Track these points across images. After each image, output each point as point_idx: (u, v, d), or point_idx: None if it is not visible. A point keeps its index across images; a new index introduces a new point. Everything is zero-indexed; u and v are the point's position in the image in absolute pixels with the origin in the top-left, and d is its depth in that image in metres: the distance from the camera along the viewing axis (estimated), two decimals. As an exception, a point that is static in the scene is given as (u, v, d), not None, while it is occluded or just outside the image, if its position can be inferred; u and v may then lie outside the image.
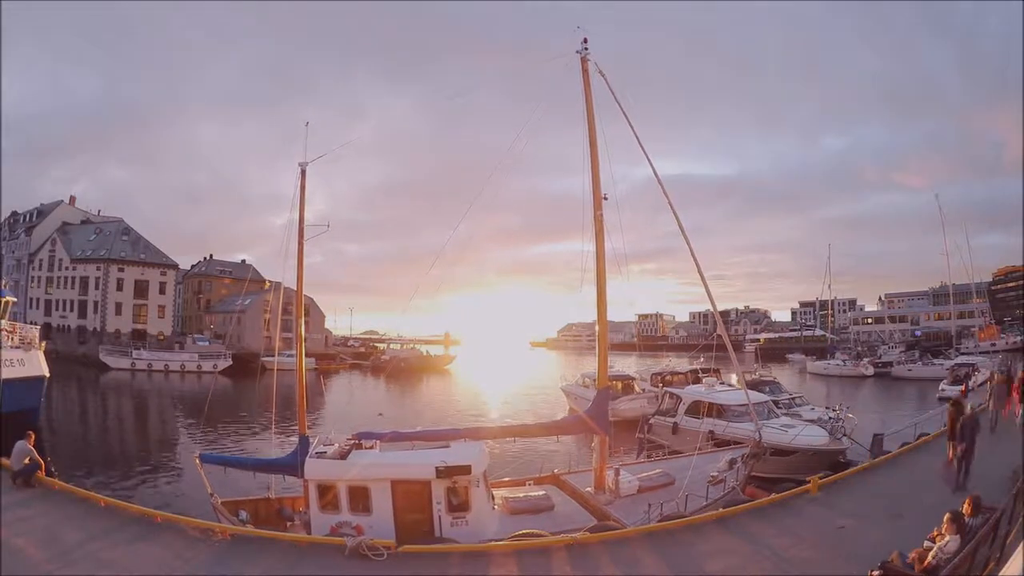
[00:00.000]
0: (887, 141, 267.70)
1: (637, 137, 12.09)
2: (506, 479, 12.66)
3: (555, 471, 12.89)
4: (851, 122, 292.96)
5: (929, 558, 6.17)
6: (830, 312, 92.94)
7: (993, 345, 52.30)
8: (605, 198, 12.00)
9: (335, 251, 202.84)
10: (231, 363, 53.63)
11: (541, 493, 11.33)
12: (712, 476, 11.59)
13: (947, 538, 6.21)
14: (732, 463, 11.97)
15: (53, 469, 8.96)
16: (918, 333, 75.99)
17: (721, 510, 9.98)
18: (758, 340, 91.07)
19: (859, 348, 59.58)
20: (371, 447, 10.35)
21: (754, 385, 21.43)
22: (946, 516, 6.32)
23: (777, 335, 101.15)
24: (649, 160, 12.28)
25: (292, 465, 10.67)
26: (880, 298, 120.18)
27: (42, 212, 72.19)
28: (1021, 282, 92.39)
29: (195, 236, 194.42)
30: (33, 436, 11.28)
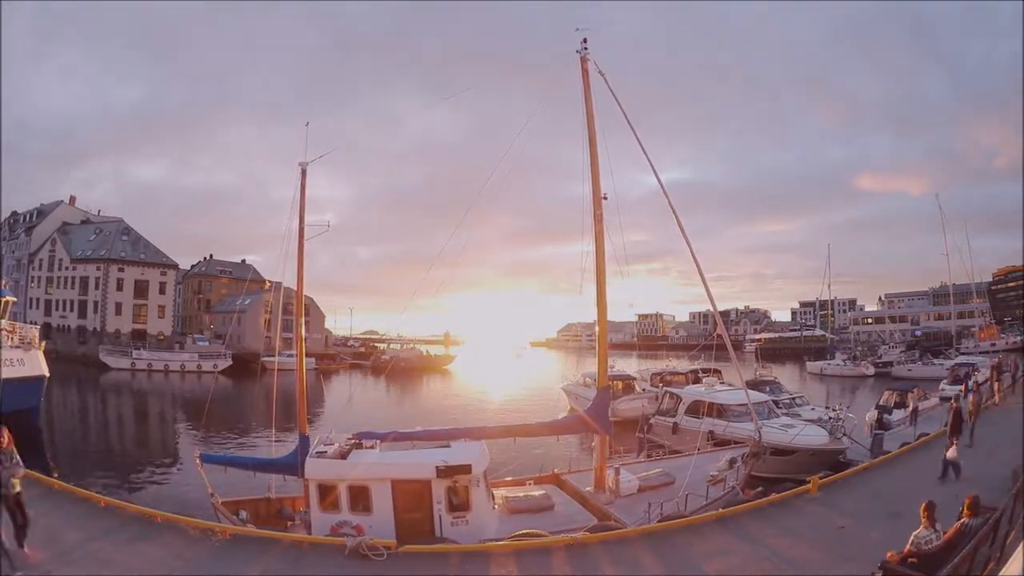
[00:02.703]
0: (886, 150, 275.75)
1: (636, 136, 12.11)
2: (507, 479, 12.66)
3: (555, 471, 12.89)
4: (853, 134, 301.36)
5: (907, 547, 6.25)
6: (830, 312, 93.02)
7: (993, 345, 52.27)
8: (605, 198, 12.01)
9: (344, 254, 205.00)
10: (231, 363, 53.65)
11: (541, 493, 11.33)
12: (712, 476, 11.59)
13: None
14: (732, 463, 11.97)
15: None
16: (918, 333, 75.89)
17: (721, 510, 9.97)
18: (758, 340, 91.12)
19: (859, 348, 59.55)
20: (371, 447, 10.34)
21: (754, 385, 21.43)
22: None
23: (777, 335, 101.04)
24: (647, 156, 12.29)
25: (292, 465, 10.66)
26: (880, 298, 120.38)
27: (42, 212, 72.16)
28: (1021, 282, 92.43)
29: (204, 237, 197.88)
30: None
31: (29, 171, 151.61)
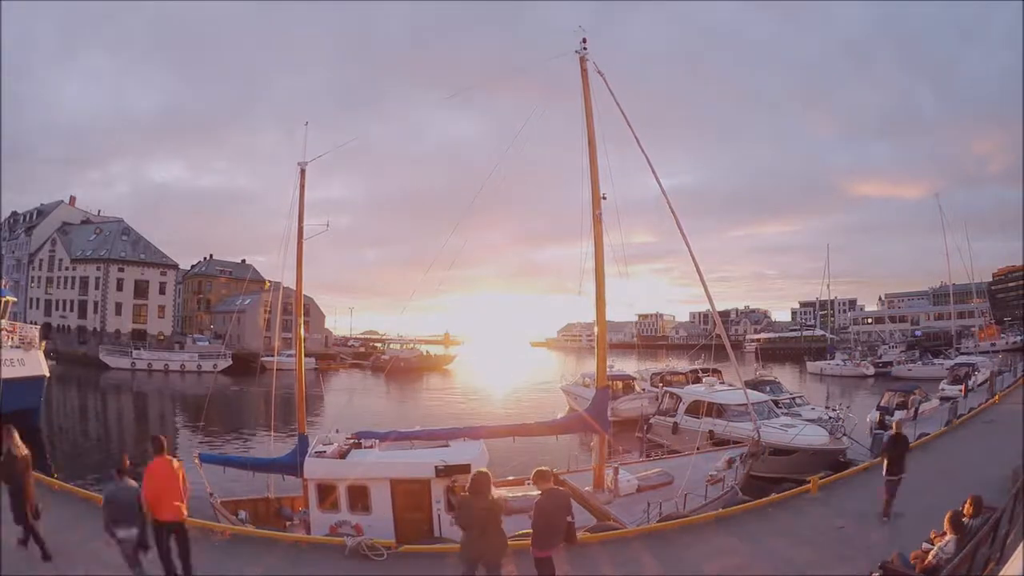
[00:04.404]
0: (885, 157, 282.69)
1: (635, 134, 12.06)
2: (509, 478, 12.66)
3: (554, 470, 12.87)
4: (852, 143, 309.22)
5: (929, 558, 6.17)
6: (830, 312, 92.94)
7: (993, 345, 52.22)
8: (604, 198, 12.02)
9: (352, 255, 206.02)
10: (231, 363, 53.66)
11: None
12: (711, 475, 11.59)
13: (947, 538, 6.20)
14: (730, 462, 11.97)
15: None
16: (918, 333, 75.89)
17: (720, 510, 9.97)
18: (758, 340, 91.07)
19: (859, 348, 59.48)
20: (370, 446, 10.35)
21: (754, 385, 21.44)
22: (946, 516, 6.32)
23: (777, 335, 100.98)
24: (645, 154, 12.23)
25: (291, 465, 10.65)
26: (880, 298, 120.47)
27: (42, 212, 72.21)
28: (1021, 282, 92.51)
29: (213, 239, 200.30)
30: None
31: (45, 172, 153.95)
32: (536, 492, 11.34)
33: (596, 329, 12.89)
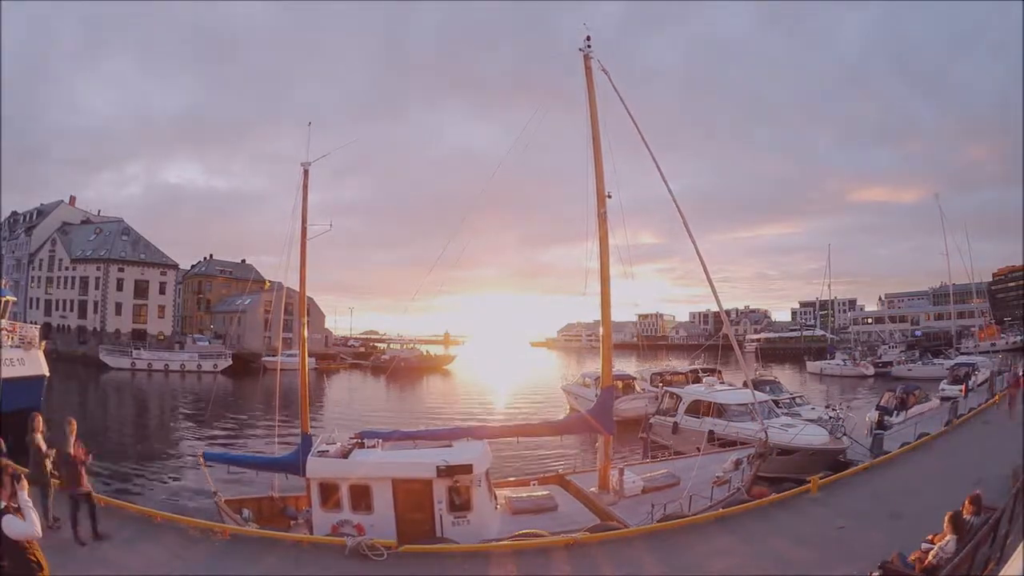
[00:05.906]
0: (884, 164, 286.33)
1: (638, 128, 12.03)
2: (511, 479, 12.66)
3: (560, 471, 12.90)
4: (852, 150, 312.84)
5: (929, 558, 6.17)
6: (830, 312, 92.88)
7: (993, 345, 52.22)
8: (609, 196, 12.02)
9: (359, 255, 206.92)
10: (231, 363, 53.65)
11: (544, 493, 11.32)
12: (717, 477, 11.57)
13: (947, 538, 6.21)
14: (738, 463, 11.94)
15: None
16: (918, 333, 75.93)
17: (721, 510, 9.98)
18: (758, 340, 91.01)
19: (859, 348, 59.49)
20: (373, 446, 10.35)
21: (754, 385, 21.43)
22: (946, 516, 6.33)
23: (777, 335, 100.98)
24: (648, 148, 12.20)
25: (294, 464, 10.66)
26: (880, 298, 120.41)
27: (42, 212, 72.15)
28: (1021, 282, 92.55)
29: (221, 239, 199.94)
30: None
31: (61, 173, 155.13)
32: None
33: (601, 329, 12.89)
